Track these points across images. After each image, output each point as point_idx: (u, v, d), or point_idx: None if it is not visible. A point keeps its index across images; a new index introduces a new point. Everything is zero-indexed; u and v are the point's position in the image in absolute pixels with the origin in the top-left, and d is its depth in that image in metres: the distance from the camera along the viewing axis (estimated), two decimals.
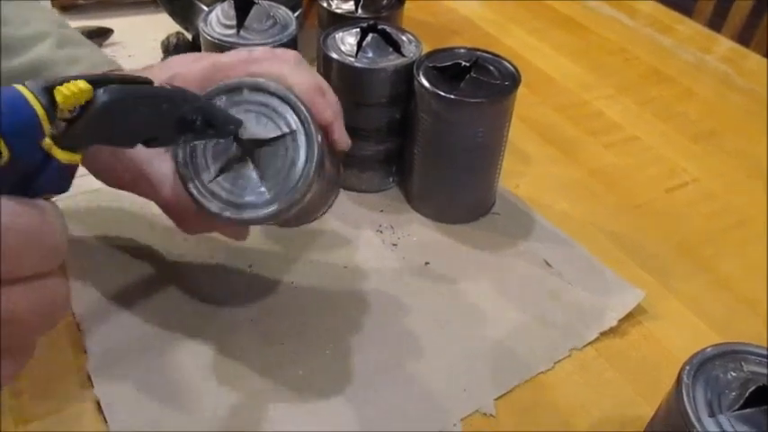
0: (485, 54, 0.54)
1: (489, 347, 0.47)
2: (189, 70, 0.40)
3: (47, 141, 0.26)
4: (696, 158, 0.68)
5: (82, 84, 0.27)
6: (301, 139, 0.36)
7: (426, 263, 0.53)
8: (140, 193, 0.43)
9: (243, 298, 0.49)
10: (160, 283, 0.49)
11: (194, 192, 0.36)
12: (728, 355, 0.34)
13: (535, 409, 0.43)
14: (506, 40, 0.86)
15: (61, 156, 0.27)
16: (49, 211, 0.27)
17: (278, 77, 0.37)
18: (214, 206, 0.35)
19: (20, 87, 0.25)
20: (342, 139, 0.41)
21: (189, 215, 0.40)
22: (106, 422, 0.40)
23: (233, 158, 0.36)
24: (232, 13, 0.54)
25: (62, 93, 0.26)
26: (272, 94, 0.36)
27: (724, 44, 0.92)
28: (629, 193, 0.63)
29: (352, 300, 0.49)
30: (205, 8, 0.69)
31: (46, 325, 0.28)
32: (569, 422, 0.43)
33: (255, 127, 0.36)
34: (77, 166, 0.28)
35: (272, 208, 0.35)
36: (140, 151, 0.38)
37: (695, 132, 0.71)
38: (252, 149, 0.36)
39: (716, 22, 1.18)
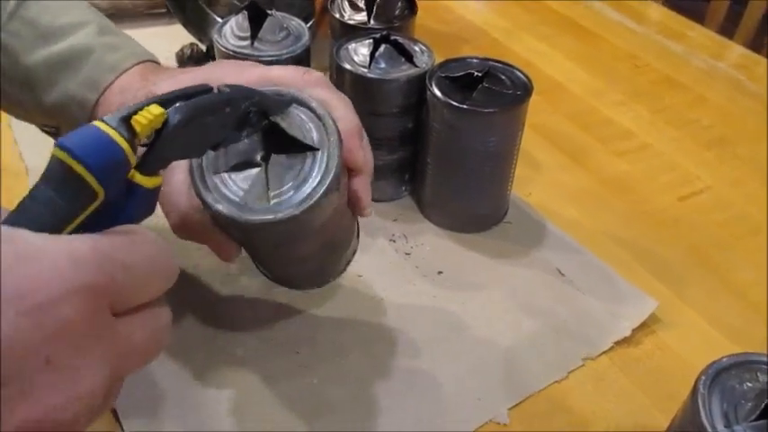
0: (497, 63, 0.54)
1: (502, 356, 0.47)
2: (236, 80, 0.39)
3: (132, 172, 0.27)
4: (709, 166, 0.67)
5: (155, 109, 0.27)
6: (322, 159, 0.35)
7: (439, 272, 0.53)
8: None
9: (256, 307, 0.49)
10: (173, 293, 0.49)
11: (197, 179, 0.35)
12: (744, 365, 0.34)
13: (549, 419, 0.43)
14: (516, 48, 0.86)
15: (146, 182, 0.27)
16: (157, 238, 0.27)
17: (322, 102, 0.37)
18: (210, 198, 0.34)
19: (100, 125, 0.26)
20: (364, 193, 0.39)
21: (183, 212, 0.38)
22: (122, 429, 0.41)
23: (248, 160, 0.35)
24: (246, 24, 0.54)
25: (140, 123, 0.26)
26: (312, 110, 0.37)
27: (736, 50, 0.91)
28: (641, 201, 0.63)
29: (366, 309, 0.50)
30: (219, 20, 0.70)
31: (154, 354, 0.28)
32: None
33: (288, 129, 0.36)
34: (160, 186, 0.29)
35: (270, 216, 0.34)
36: None
37: (708, 139, 0.71)
38: (269, 155, 0.36)
39: (727, 28, 1.18)
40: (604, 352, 0.48)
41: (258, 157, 0.36)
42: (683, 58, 0.86)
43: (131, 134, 0.26)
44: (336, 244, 0.43)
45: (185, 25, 0.74)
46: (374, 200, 0.59)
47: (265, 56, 0.53)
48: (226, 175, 0.35)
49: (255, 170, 0.35)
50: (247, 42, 0.54)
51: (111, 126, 0.26)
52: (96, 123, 0.26)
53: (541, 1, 0.96)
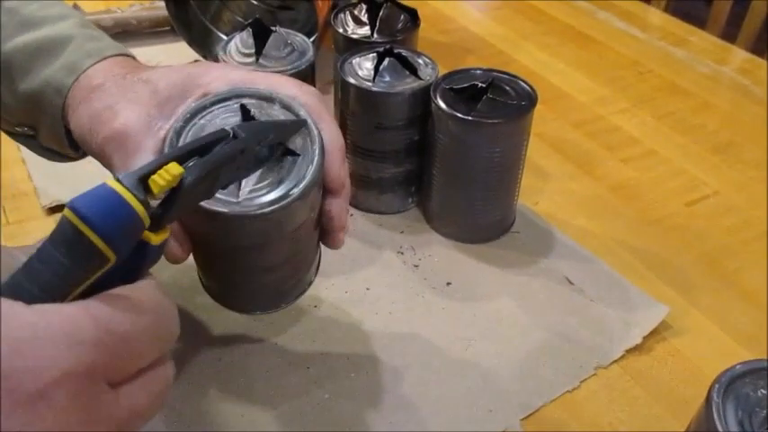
0: (501, 74, 0.55)
1: (513, 367, 0.47)
2: (223, 79, 0.39)
3: (145, 233, 0.26)
4: (716, 171, 0.67)
5: (174, 169, 0.26)
6: (301, 165, 0.35)
7: (448, 283, 0.53)
8: (106, 164, 0.39)
9: (267, 322, 0.49)
10: (184, 309, 0.50)
11: None
12: (758, 372, 0.34)
13: (562, 429, 0.43)
14: (519, 57, 0.86)
15: (156, 239, 0.27)
16: (162, 298, 0.27)
17: (313, 112, 0.38)
18: None
19: (115, 185, 0.24)
20: (339, 215, 0.39)
21: None
22: None
23: None
24: (251, 41, 0.55)
25: (158, 184, 0.26)
26: (296, 116, 0.37)
27: (739, 55, 0.91)
28: (649, 208, 0.63)
29: (375, 322, 0.50)
30: (224, 37, 0.70)
31: (157, 410, 0.27)
32: None
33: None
34: (168, 237, 0.28)
35: (237, 209, 0.34)
36: (129, 124, 0.37)
37: (714, 144, 0.71)
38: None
39: (729, 32, 1.18)
40: (616, 360, 0.47)
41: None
42: (687, 64, 0.86)
43: (147, 194, 0.25)
44: (299, 263, 0.41)
45: (190, 43, 0.74)
46: (381, 212, 0.60)
47: (271, 72, 0.53)
48: None
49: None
50: (252, 59, 0.54)
51: (125, 187, 0.25)
52: (110, 183, 0.25)
53: (543, 9, 0.97)
